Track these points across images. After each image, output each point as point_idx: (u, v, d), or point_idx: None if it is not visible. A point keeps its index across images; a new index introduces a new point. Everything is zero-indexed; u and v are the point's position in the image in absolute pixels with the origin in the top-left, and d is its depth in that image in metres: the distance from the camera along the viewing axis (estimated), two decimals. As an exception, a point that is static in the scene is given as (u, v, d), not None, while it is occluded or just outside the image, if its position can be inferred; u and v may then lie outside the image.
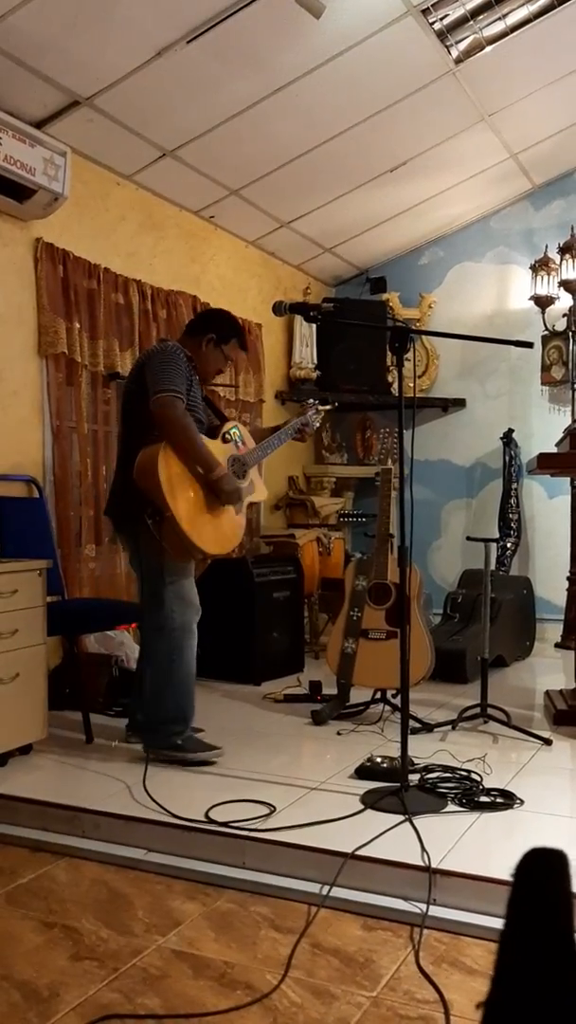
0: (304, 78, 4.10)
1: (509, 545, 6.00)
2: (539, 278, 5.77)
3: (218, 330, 3.42)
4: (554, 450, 4.04)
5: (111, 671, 4.08)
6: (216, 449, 3.34)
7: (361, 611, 3.82)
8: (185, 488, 3.18)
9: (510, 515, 6.03)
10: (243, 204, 5.17)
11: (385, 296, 6.37)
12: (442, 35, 4.06)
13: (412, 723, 3.42)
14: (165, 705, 3.31)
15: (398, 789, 2.79)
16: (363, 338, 6.01)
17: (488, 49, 4.21)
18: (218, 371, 3.51)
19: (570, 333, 5.78)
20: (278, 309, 3.17)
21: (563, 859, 0.73)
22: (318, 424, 3.92)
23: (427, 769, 3.06)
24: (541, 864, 0.70)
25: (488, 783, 2.94)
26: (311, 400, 3.99)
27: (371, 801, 2.78)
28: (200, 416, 3.36)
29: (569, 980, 0.62)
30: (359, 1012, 1.85)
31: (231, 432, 3.49)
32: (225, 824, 2.63)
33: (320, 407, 3.90)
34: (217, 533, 3.27)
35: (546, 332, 5.87)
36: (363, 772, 3.05)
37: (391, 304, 6.31)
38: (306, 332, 6.18)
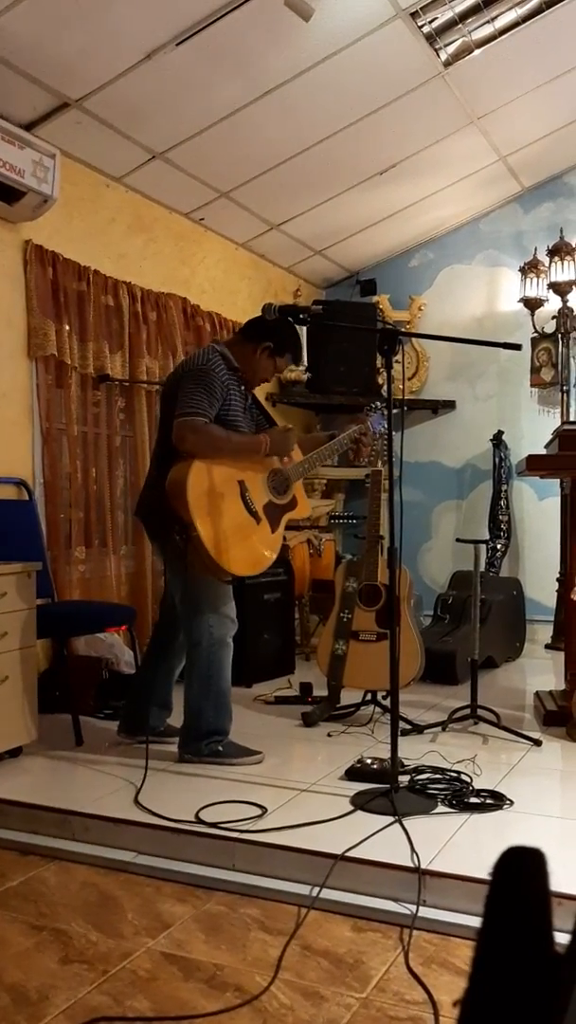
0: (293, 81, 4.11)
1: (499, 547, 6.02)
2: (528, 280, 5.79)
3: (278, 341, 3.33)
4: (543, 452, 4.06)
5: (101, 674, 4.07)
6: (259, 461, 3.29)
7: (351, 613, 3.83)
8: (215, 506, 3.09)
9: (500, 517, 6.04)
10: (233, 206, 5.18)
11: (375, 298, 6.38)
12: (431, 38, 4.08)
13: (402, 724, 3.42)
14: (205, 717, 3.29)
15: (388, 790, 2.80)
16: (353, 340, 6.02)
17: (477, 52, 4.23)
18: (264, 380, 3.44)
19: (559, 335, 5.80)
20: (268, 311, 3.16)
21: (541, 858, 0.74)
22: (383, 429, 3.64)
23: (417, 770, 3.06)
24: (519, 863, 0.71)
25: (478, 784, 2.95)
26: (373, 404, 3.76)
27: (361, 802, 2.78)
28: (241, 427, 3.29)
29: (545, 979, 0.63)
30: (349, 1013, 1.85)
31: (275, 433, 3.40)
32: (215, 825, 2.63)
33: (383, 409, 3.65)
34: (247, 553, 3.20)
35: (535, 334, 5.89)
36: (353, 773, 3.06)
37: (381, 306, 6.32)
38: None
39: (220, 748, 3.27)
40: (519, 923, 0.66)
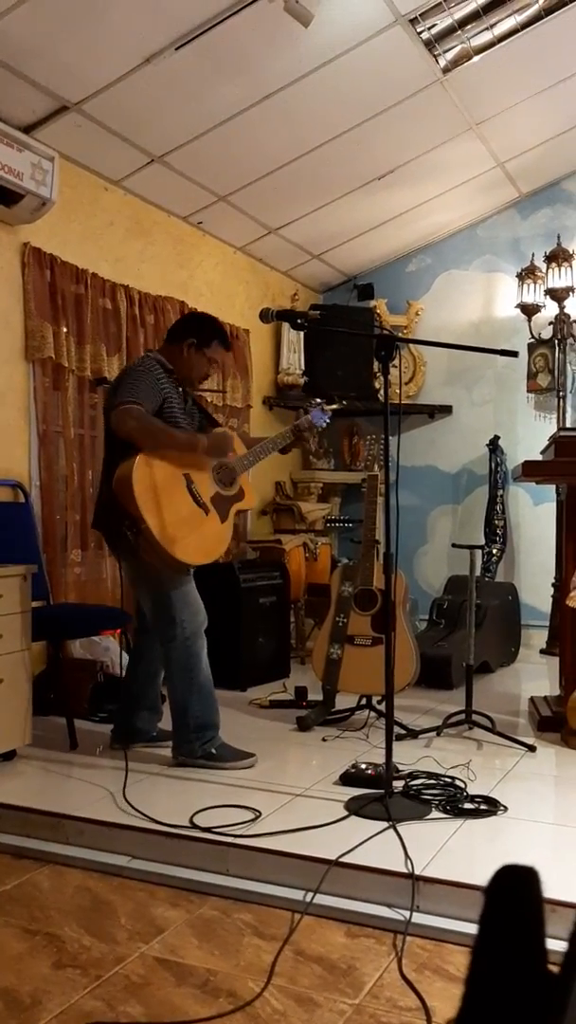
0: (292, 86, 4.11)
1: (495, 552, 6.03)
2: (525, 286, 5.81)
3: (197, 334, 3.37)
4: (539, 457, 4.06)
5: (96, 677, 4.07)
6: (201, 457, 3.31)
7: (347, 617, 3.83)
8: (161, 499, 3.13)
9: (496, 522, 6.05)
10: (231, 210, 5.18)
11: (372, 303, 6.39)
12: (430, 44, 4.09)
13: (397, 729, 3.42)
14: (192, 713, 3.30)
15: (382, 796, 2.80)
16: (350, 345, 6.03)
17: (476, 59, 4.24)
18: (204, 375, 3.46)
19: (556, 341, 5.82)
20: (265, 316, 3.17)
21: (535, 876, 0.74)
22: (326, 423, 3.78)
23: (411, 776, 3.06)
24: (513, 881, 0.71)
25: (472, 790, 2.95)
26: (315, 400, 3.84)
27: (355, 808, 2.78)
28: (182, 426, 3.33)
29: (539, 997, 0.63)
30: (342, 1019, 1.85)
31: (215, 434, 3.42)
32: (208, 830, 2.62)
33: (326, 406, 3.77)
34: (199, 543, 3.23)
35: (532, 340, 5.90)
36: (348, 778, 3.05)
37: (378, 311, 6.33)
38: (293, 338, 6.20)
39: (214, 751, 3.27)
40: (513, 941, 0.66)
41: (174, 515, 3.16)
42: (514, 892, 0.69)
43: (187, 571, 3.30)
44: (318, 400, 3.83)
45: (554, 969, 0.68)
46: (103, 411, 3.43)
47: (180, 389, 3.38)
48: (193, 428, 3.41)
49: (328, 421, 3.80)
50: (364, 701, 3.90)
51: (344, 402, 4.07)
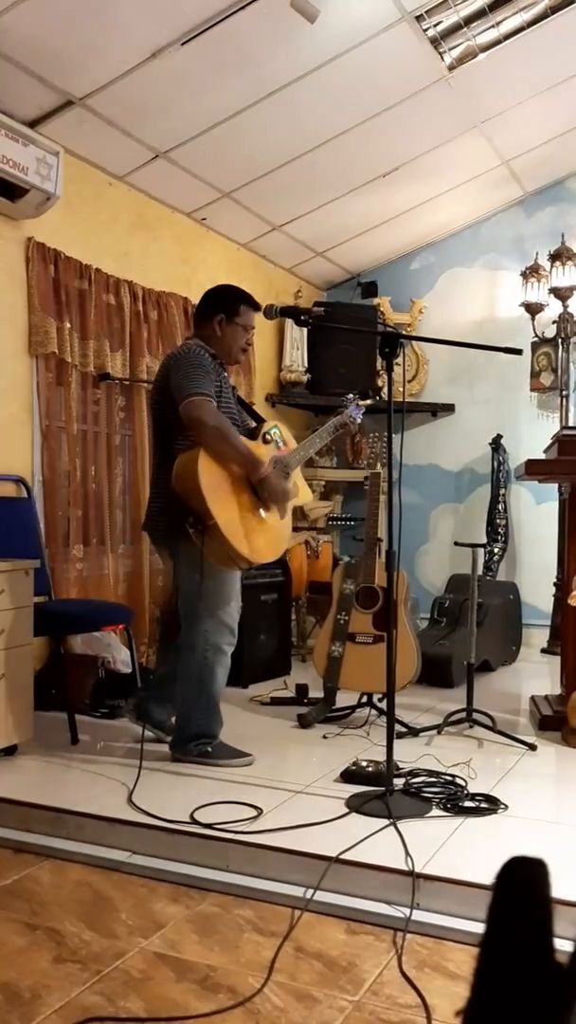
0: (298, 82, 4.11)
1: (496, 550, 6.02)
2: (529, 285, 5.80)
3: (223, 307, 3.30)
4: (542, 456, 4.06)
5: (97, 672, 4.07)
6: (256, 449, 3.25)
7: (348, 615, 3.83)
8: (229, 493, 3.07)
9: (498, 520, 6.05)
10: (235, 207, 5.18)
11: (376, 301, 6.39)
12: (435, 42, 4.08)
13: (398, 727, 3.42)
14: (194, 721, 3.29)
15: (383, 793, 2.80)
16: (353, 342, 6.02)
17: (481, 56, 4.23)
18: (244, 346, 3.37)
19: (559, 340, 5.81)
20: (269, 312, 3.16)
21: (543, 867, 0.74)
22: (360, 419, 3.73)
23: (412, 773, 3.06)
24: (521, 872, 0.71)
25: (473, 788, 2.95)
26: (349, 395, 3.80)
27: (356, 805, 2.78)
28: (235, 418, 3.28)
29: (548, 989, 0.63)
30: (341, 1016, 1.85)
31: (271, 432, 3.39)
32: (210, 826, 2.63)
33: (360, 402, 3.73)
34: (265, 540, 3.17)
35: (536, 339, 5.89)
36: (348, 776, 3.06)
37: (382, 309, 6.32)
38: (297, 335, 6.19)
39: (209, 749, 3.27)
40: (521, 932, 0.66)
41: (240, 512, 3.10)
42: (523, 883, 0.69)
43: (248, 568, 3.21)
44: (351, 395, 3.79)
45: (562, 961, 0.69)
46: (150, 405, 3.32)
47: (227, 377, 3.33)
48: (240, 418, 3.35)
49: (359, 419, 3.75)
50: (365, 699, 3.90)
51: (378, 397, 4.03)
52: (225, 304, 3.32)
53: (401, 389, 5.86)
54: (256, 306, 3.36)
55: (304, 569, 5.40)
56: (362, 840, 2.50)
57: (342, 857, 2.40)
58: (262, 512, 3.22)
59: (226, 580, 3.23)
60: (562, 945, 0.72)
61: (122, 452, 4.76)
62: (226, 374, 3.35)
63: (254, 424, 3.45)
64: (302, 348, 6.22)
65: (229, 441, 3.10)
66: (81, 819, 2.75)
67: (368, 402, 3.84)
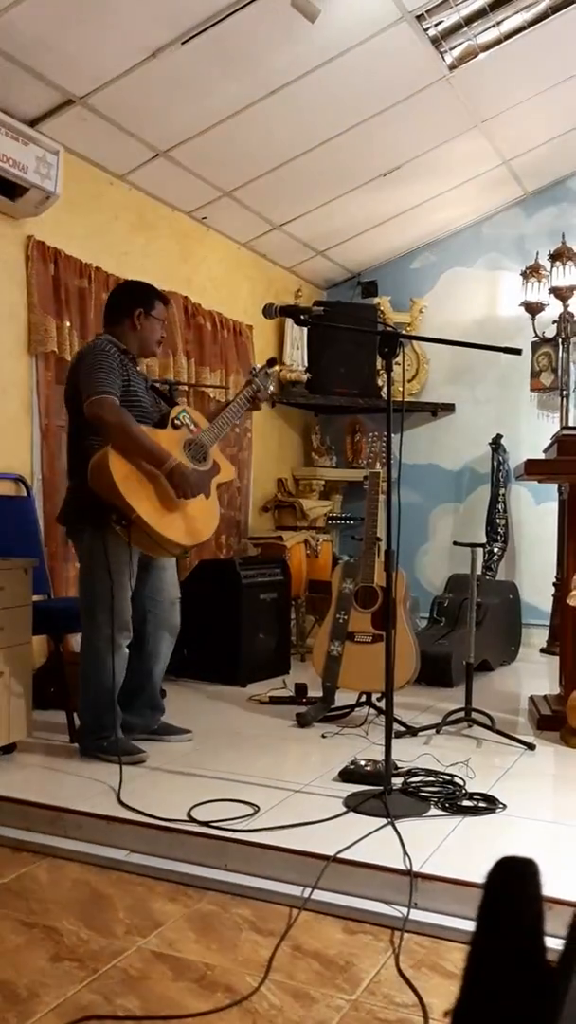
0: (298, 81, 4.11)
1: (496, 550, 6.03)
2: (530, 284, 5.80)
3: (141, 302, 3.36)
4: (542, 456, 4.06)
5: (96, 671, 4.07)
6: (168, 437, 3.29)
7: (347, 614, 3.83)
8: (144, 484, 3.13)
9: (497, 520, 6.05)
10: (236, 206, 5.18)
11: (376, 300, 6.39)
12: (436, 41, 4.08)
13: (396, 726, 3.42)
14: (88, 712, 3.36)
15: (381, 792, 2.80)
16: (353, 341, 6.02)
17: (482, 56, 4.23)
18: (160, 338, 3.46)
19: (560, 340, 5.81)
20: (269, 312, 3.16)
21: (533, 867, 0.74)
22: (271, 387, 3.77)
23: (410, 773, 3.06)
24: (512, 872, 0.71)
25: (471, 787, 2.95)
26: (255, 366, 3.79)
27: (354, 804, 2.78)
28: (146, 407, 3.32)
29: (537, 989, 0.63)
30: (338, 1015, 1.85)
31: (180, 417, 3.42)
32: (207, 824, 2.63)
33: (268, 369, 3.72)
34: (189, 522, 3.23)
35: (536, 338, 5.89)
36: (347, 775, 3.06)
37: (382, 308, 6.32)
38: (296, 335, 6.19)
39: (104, 744, 3.28)
40: (511, 933, 0.66)
41: (159, 499, 3.16)
42: (513, 884, 0.69)
43: (183, 552, 3.28)
44: (255, 366, 3.78)
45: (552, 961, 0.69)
46: (65, 400, 3.39)
47: (137, 368, 3.39)
48: (154, 407, 3.39)
49: (271, 387, 3.76)
50: (364, 698, 3.90)
51: (275, 359, 3.98)
52: (141, 299, 3.38)
53: (401, 389, 5.86)
54: (166, 300, 3.49)
55: (303, 568, 5.40)
56: (360, 839, 2.50)
57: (340, 856, 2.40)
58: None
59: (122, 574, 3.25)
60: (554, 944, 0.72)
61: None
62: (138, 367, 3.40)
63: (168, 409, 3.47)
64: (302, 347, 6.22)
65: (132, 437, 3.14)
66: (79, 818, 2.75)
67: (277, 368, 3.81)
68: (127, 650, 3.36)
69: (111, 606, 3.22)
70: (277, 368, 3.85)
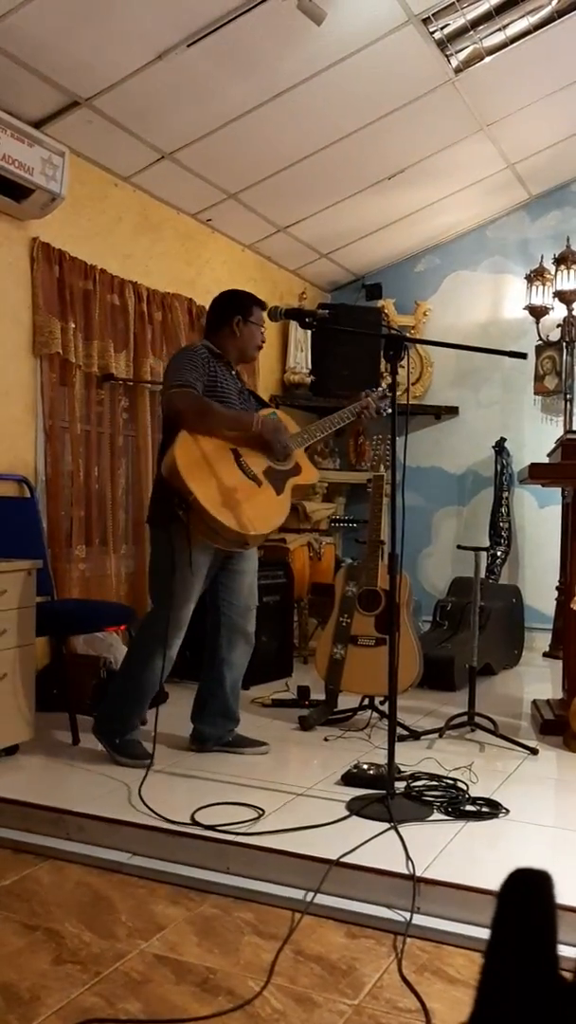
0: (304, 84, 4.11)
1: (499, 554, 6.02)
2: (534, 288, 5.80)
3: (239, 309, 3.41)
4: (546, 460, 4.06)
5: (99, 673, 4.07)
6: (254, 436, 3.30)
7: (350, 617, 3.82)
8: (209, 472, 3.10)
9: (501, 524, 6.04)
10: (240, 208, 5.18)
11: (380, 303, 6.38)
12: (442, 44, 4.08)
13: (399, 730, 3.42)
14: (115, 702, 3.34)
15: (384, 796, 2.79)
16: (357, 344, 6.02)
17: (488, 59, 4.23)
18: (259, 344, 3.49)
19: (564, 344, 5.80)
20: (274, 314, 3.17)
21: (547, 879, 0.73)
22: (388, 411, 3.63)
23: (413, 777, 3.06)
24: (526, 884, 0.71)
25: (474, 792, 2.94)
26: (373, 387, 3.82)
27: (357, 808, 2.78)
28: (235, 406, 3.33)
29: (551, 1001, 0.62)
30: (341, 1020, 1.85)
31: (270, 417, 3.41)
32: (211, 828, 2.62)
33: (386, 391, 3.71)
34: (253, 513, 3.15)
35: (540, 342, 5.89)
36: (349, 779, 3.05)
37: (386, 311, 6.32)
38: (301, 337, 6.19)
39: (117, 741, 3.28)
40: (526, 944, 0.65)
41: (223, 486, 3.12)
42: (527, 896, 0.69)
43: (243, 544, 3.22)
44: (374, 387, 3.81)
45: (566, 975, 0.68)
46: (161, 405, 3.43)
47: (232, 372, 3.40)
48: (246, 409, 3.39)
49: (389, 410, 3.73)
50: (367, 701, 3.90)
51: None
52: (241, 306, 3.43)
53: (405, 391, 5.85)
54: (264, 305, 3.49)
55: (306, 571, 5.39)
56: (363, 843, 2.50)
57: (343, 860, 2.40)
58: (254, 486, 3.23)
59: (184, 569, 3.18)
60: (567, 953, 0.71)
61: (125, 453, 4.76)
62: (234, 371, 3.43)
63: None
64: (306, 350, 6.22)
65: (211, 413, 3.16)
66: (81, 820, 2.75)
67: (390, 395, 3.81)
68: (175, 654, 3.30)
69: (169, 600, 3.19)
70: (385, 388, 3.81)
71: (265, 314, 3.42)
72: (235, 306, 3.42)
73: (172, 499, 3.09)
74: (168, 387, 3.18)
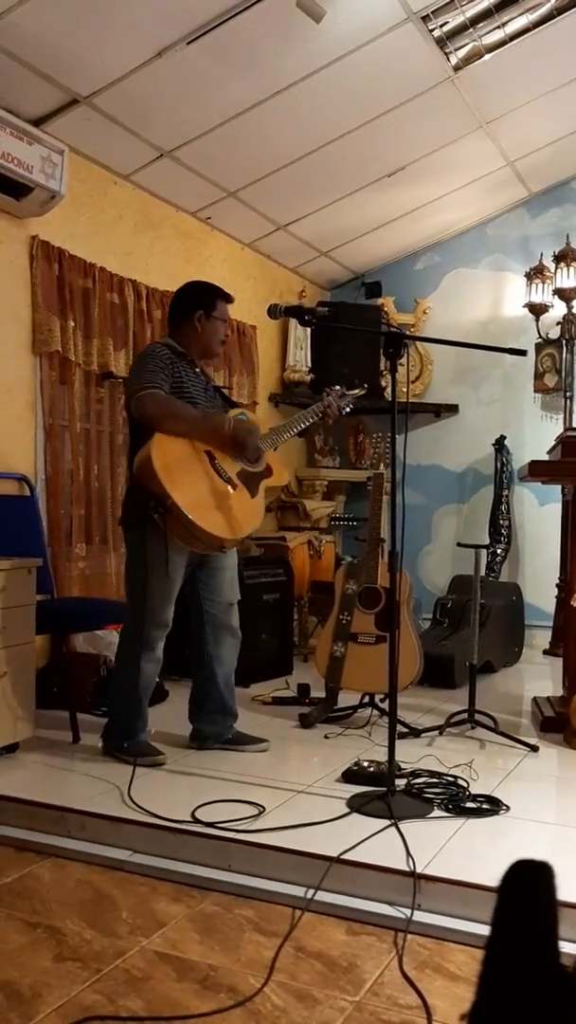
0: (303, 82, 4.10)
1: (499, 551, 6.02)
2: (534, 286, 5.79)
3: (201, 302, 3.33)
4: (546, 458, 4.06)
5: (99, 671, 4.07)
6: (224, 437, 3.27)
7: (351, 615, 3.82)
8: (186, 474, 3.08)
9: (501, 521, 6.04)
10: (240, 206, 5.18)
11: (380, 300, 6.38)
12: (441, 42, 4.08)
13: (400, 728, 3.42)
14: (114, 709, 3.35)
15: (385, 794, 2.79)
16: (357, 342, 6.02)
17: (487, 57, 4.23)
18: (223, 338, 3.40)
19: (564, 341, 5.80)
20: (273, 312, 3.16)
21: (548, 870, 0.73)
22: (348, 408, 3.74)
23: (414, 774, 3.06)
24: (527, 875, 0.71)
25: (474, 789, 2.94)
26: (335, 387, 3.78)
27: (357, 805, 2.78)
28: (201, 406, 3.29)
29: (552, 992, 0.62)
30: (342, 1017, 1.85)
31: (240, 419, 3.39)
32: (211, 825, 2.62)
33: (348, 391, 3.72)
34: (228, 517, 3.15)
35: (540, 340, 5.89)
36: (350, 776, 3.05)
37: (386, 308, 6.32)
38: (300, 335, 6.19)
39: (125, 745, 3.28)
40: (527, 936, 0.65)
41: (200, 489, 3.10)
42: (528, 888, 0.69)
43: (219, 548, 3.22)
44: (337, 387, 3.78)
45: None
46: (124, 407, 3.41)
47: (196, 370, 3.35)
48: (215, 410, 3.36)
49: (350, 408, 3.76)
50: (367, 699, 3.90)
51: (365, 386, 4.00)
52: (200, 301, 3.35)
53: (405, 389, 5.86)
54: (229, 298, 3.42)
55: (306, 569, 5.39)
56: (363, 840, 2.50)
57: (343, 857, 2.40)
58: (229, 489, 3.20)
59: (158, 569, 3.17)
60: (567, 948, 0.72)
61: (125, 451, 4.75)
62: (198, 368, 3.37)
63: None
64: (306, 348, 6.22)
65: (180, 416, 3.13)
66: (83, 817, 2.75)
67: (356, 392, 3.81)
68: (160, 653, 3.31)
69: (144, 602, 3.18)
70: (358, 392, 3.84)
71: (226, 306, 3.37)
72: (196, 300, 3.35)
73: (147, 501, 3.06)
74: (136, 389, 3.12)
